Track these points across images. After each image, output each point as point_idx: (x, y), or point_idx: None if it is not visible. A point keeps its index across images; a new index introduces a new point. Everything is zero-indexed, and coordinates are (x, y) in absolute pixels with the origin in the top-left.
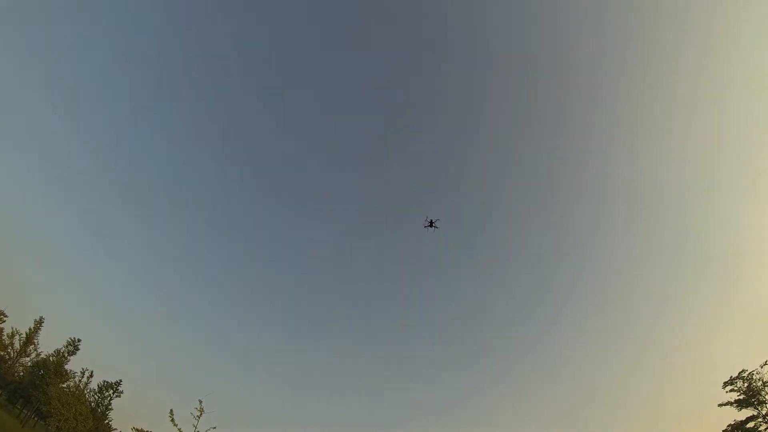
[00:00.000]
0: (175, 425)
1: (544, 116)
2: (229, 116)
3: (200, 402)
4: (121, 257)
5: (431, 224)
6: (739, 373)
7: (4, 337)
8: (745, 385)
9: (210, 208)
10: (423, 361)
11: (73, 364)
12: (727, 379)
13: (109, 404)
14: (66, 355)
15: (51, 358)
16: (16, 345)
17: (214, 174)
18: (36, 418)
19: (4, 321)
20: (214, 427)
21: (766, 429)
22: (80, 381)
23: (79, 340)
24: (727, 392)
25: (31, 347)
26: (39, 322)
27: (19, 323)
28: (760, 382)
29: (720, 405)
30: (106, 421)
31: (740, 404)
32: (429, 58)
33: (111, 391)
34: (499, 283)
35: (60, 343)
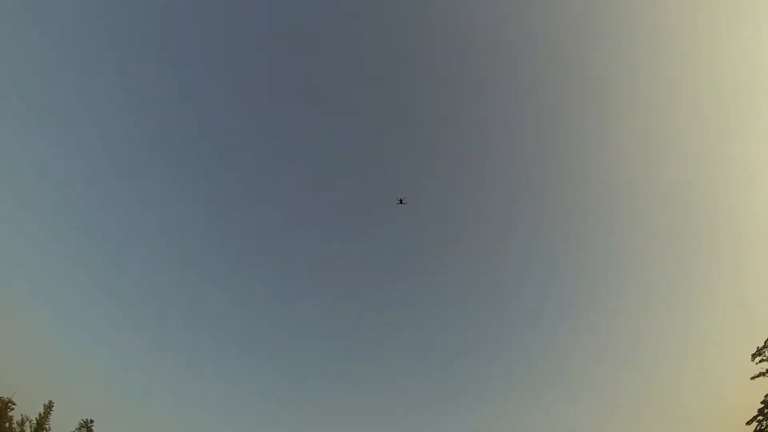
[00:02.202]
0: None
1: (539, 113)
2: (229, 118)
3: None
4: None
5: (401, 201)
6: (766, 342)
7: (14, 425)
8: None
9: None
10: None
11: None
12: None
13: None
14: None
15: None
16: None
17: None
18: None
19: (13, 409)
20: None
21: None
22: None
23: (91, 421)
24: (756, 363)
25: None
26: (49, 407)
27: (27, 406)
28: None
29: (753, 378)
30: None
31: None
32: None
33: None
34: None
35: (72, 423)
